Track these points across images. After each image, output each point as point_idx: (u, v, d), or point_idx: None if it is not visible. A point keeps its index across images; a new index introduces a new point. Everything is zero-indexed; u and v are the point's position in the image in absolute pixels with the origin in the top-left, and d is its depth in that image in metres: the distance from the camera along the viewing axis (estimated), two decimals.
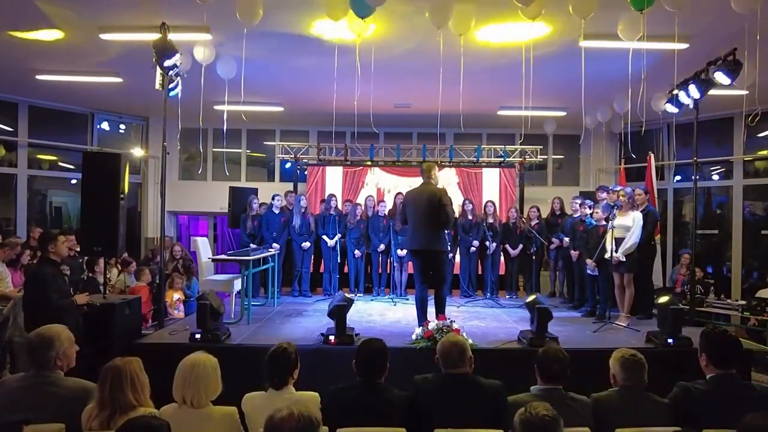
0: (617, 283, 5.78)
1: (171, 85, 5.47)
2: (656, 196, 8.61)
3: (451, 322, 4.78)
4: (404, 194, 5.46)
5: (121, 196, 5.03)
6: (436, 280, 5.23)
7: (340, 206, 8.46)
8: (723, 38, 5.18)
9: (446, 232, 5.47)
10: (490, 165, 9.67)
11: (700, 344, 2.88)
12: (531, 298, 5.08)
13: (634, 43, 5.12)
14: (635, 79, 5.80)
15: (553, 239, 7.60)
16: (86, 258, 6.66)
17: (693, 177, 6.22)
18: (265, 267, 6.66)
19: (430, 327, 4.68)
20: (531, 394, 2.69)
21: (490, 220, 7.75)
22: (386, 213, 7.97)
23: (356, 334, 4.80)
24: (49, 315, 3.65)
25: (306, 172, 9.69)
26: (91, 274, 6.68)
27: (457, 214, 7.28)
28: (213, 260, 6.39)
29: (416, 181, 5.97)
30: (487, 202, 8.07)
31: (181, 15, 5.20)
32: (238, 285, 6.09)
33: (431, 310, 5.20)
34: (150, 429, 1.83)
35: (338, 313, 4.71)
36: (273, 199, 7.76)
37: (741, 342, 3.19)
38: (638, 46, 5.22)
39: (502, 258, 7.96)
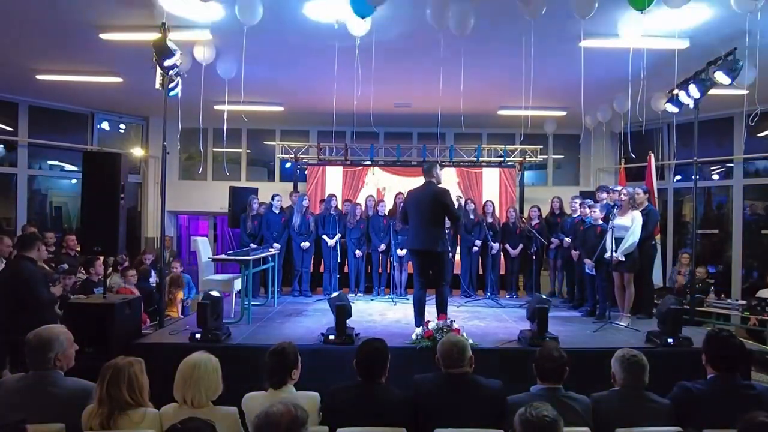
0: (617, 283, 5.78)
1: (171, 85, 5.46)
2: (656, 195, 8.61)
3: (451, 322, 4.78)
4: (405, 193, 5.43)
5: (121, 196, 5.03)
6: (436, 279, 5.22)
7: (340, 206, 8.46)
8: (723, 38, 5.18)
9: (447, 232, 5.45)
10: (490, 165, 9.67)
11: (703, 345, 2.88)
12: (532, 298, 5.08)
13: (634, 43, 5.12)
14: (635, 79, 5.80)
15: (553, 239, 7.60)
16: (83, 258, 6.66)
17: (693, 177, 6.22)
18: (265, 267, 6.66)
19: (430, 327, 4.67)
20: (531, 394, 2.69)
21: (489, 220, 7.76)
22: (386, 213, 7.97)
23: (356, 334, 4.80)
24: (41, 310, 3.56)
25: (306, 172, 9.70)
26: (87, 275, 6.65)
27: None
28: (213, 260, 6.39)
29: (416, 181, 5.96)
30: (486, 201, 8.08)
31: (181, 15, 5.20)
32: (238, 285, 6.09)
33: (431, 310, 5.19)
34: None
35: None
36: (273, 199, 7.77)
37: (745, 346, 3.17)
38: (638, 46, 5.22)
39: (502, 258, 7.97)
